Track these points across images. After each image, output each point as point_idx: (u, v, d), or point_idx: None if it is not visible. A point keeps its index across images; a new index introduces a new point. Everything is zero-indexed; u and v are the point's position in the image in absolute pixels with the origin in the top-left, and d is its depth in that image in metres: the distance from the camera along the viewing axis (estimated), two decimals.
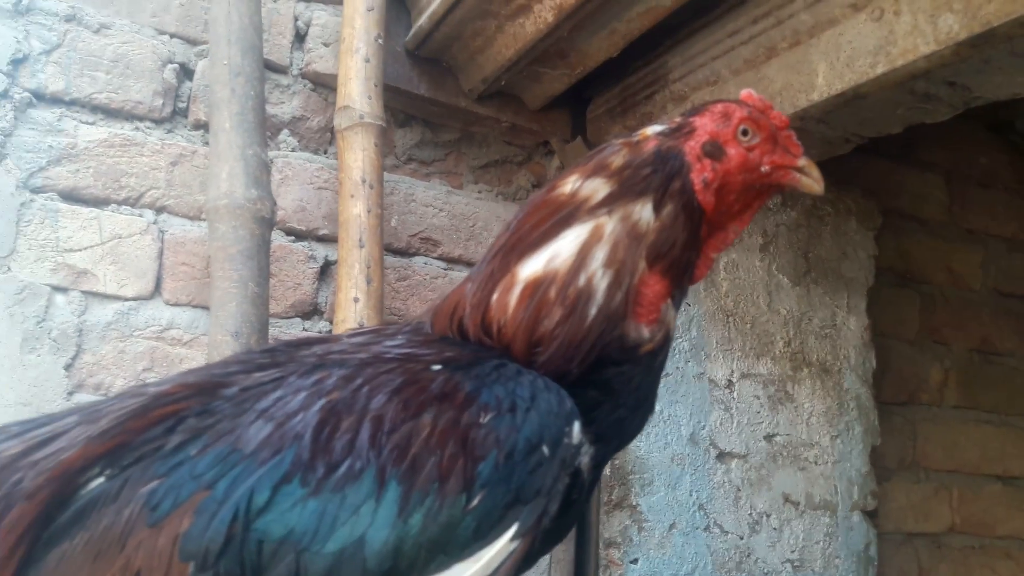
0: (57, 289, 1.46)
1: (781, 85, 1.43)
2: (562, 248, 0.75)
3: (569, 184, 0.78)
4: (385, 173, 1.77)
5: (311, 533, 0.60)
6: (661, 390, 1.74)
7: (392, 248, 1.74)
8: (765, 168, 0.81)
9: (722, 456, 1.84)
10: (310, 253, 1.66)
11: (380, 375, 0.68)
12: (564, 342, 0.73)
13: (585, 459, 0.76)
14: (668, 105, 1.71)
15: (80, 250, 1.48)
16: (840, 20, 1.30)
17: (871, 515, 2.02)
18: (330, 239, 1.66)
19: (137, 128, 1.57)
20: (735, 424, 1.87)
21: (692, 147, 0.79)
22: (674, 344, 1.79)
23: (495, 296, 0.76)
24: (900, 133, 1.85)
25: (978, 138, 2.53)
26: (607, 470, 1.75)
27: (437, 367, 0.70)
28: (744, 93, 0.83)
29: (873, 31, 1.24)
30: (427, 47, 1.72)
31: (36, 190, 1.47)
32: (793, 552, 1.88)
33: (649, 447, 1.76)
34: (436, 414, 0.65)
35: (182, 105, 1.62)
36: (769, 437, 1.90)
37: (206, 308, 1.49)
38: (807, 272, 2.03)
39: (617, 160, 0.78)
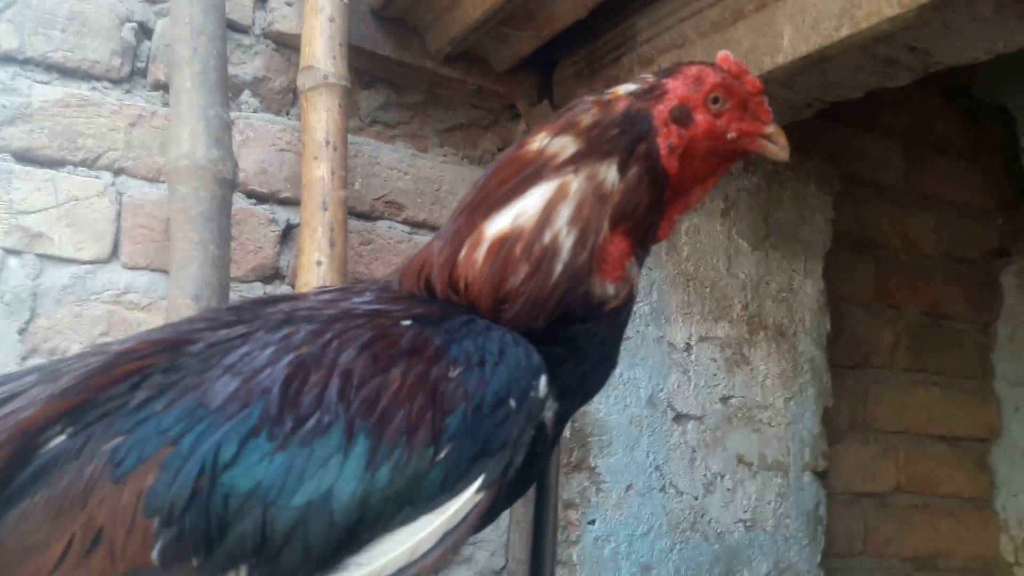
0: (10, 252, 1.43)
1: (747, 47, 1.44)
2: (528, 205, 0.75)
3: (537, 141, 0.78)
4: (349, 136, 1.76)
5: (278, 487, 0.61)
6: (622, 353, 1.77)
7: (356, 212, 1.73)
8: (732, 135, 0.81)
9: (679, 418, 1.88)
10: (271, 216, 1.65)
11: (349, 330, 0.69)
12: (530, 298, 0.75)
13: (549, 414, 0.77)
14: (635, 68, 1.71)
15: (35, 212, 1.46)
16: None
17: (821, 475, 2.08)
18: (292, 202, 1.65)
19: (94, 88, 1.53)
20: (692, 386, 1.91)
21: (660, 111, 0.79)
22: (635, 308, 1.83)
23: (462, 253, 0.77)
24: (860, 99, 1.87)
25: (935, 104, 2.56)
26: (567, 432, 1.78)
27: (407, 322, 0.71)
28: (720, 55, 0.82)
29: None
30: (393, 7, 1.70)
31: None
32: (746, 512, 1.94)
33: (608, 409, 1.80)
34: (405, 368, 0.66)
35: (141, 65, 1.58)
36: (725, 399, 1.95)
37: (165, 272, 1.48)
38: (766, 236, 2.06)
39: (586, 119, 0.78)
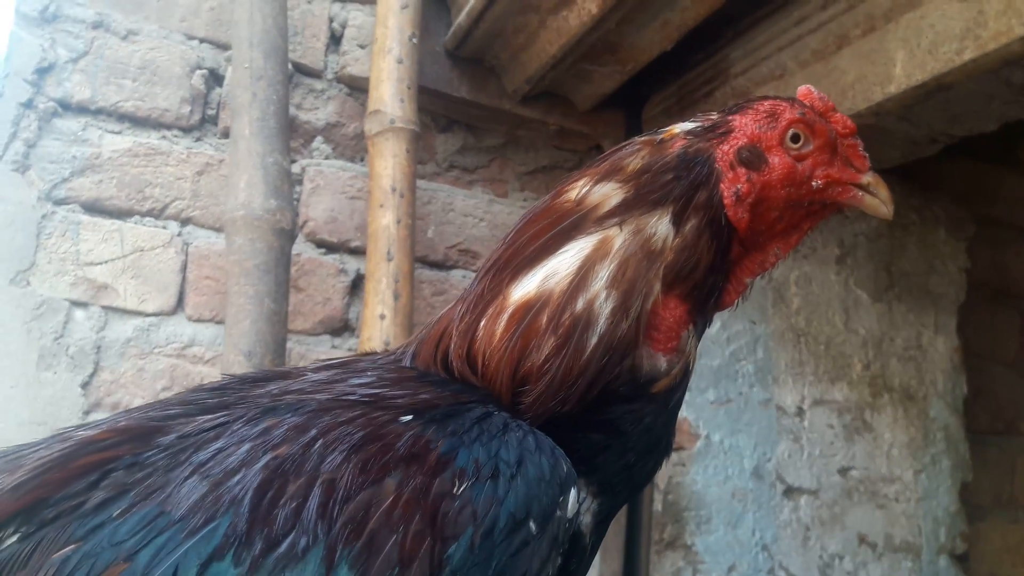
0: (76, 304, 1.40)
1: (854, 77, 1.27)
2: (561, 265, 0.62)
3: (577, 189, 0.65)
4: (424, 181, 1.67)
5: None
6: (722, 418, 1.59)
7: (428, 260, 1.63)
8: (818, 183, 0.66)
9: (790, 492, 1.67)
10: (341, 266, 1.57)
11: (338, 426, 0.56)
12: (556, 378, 0.60)
13: (587, 518, 0.63)
14: (729, 102, 1.55)
15: (101, 263, 1.42)
16: (921, 1, 1.13)
17: (961, 559, 1.81)
18: (363, 251, 1.56)
19: (164, 137, 1.51)
20: (805, 456, 1.69)
21: (725, 152, 0.65)
22: (737, 367, 1.64)
23: (483, 322, 0.63)
24: (997, 134, 1.65)
25: None
26: (658, 506, 1.60)
27: (407, 418, 0.57)
28: (802, 90, 0.69)
29: (959, 12, 1.07)
30: (467, 46, 1.61)
31: (58, 202, 1.42)
32: None
33: (707, 481, 1.60)
34: (401, 480, 0.53)
35: (211, 112, 1.55)
36: (844, 471, 1.72)
37: None
38: (889, 287, 1.84)
39: (635, 162, 0.65)
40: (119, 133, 1.48)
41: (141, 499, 0.54)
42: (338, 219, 1.58)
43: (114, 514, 0.54)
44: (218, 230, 1.50)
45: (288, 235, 1.33)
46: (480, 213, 1.69)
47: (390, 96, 1.46)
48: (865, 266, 1.82)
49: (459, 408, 0.59)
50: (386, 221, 1.41)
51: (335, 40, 1.65)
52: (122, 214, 1.46)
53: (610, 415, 0.63)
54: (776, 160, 0.65)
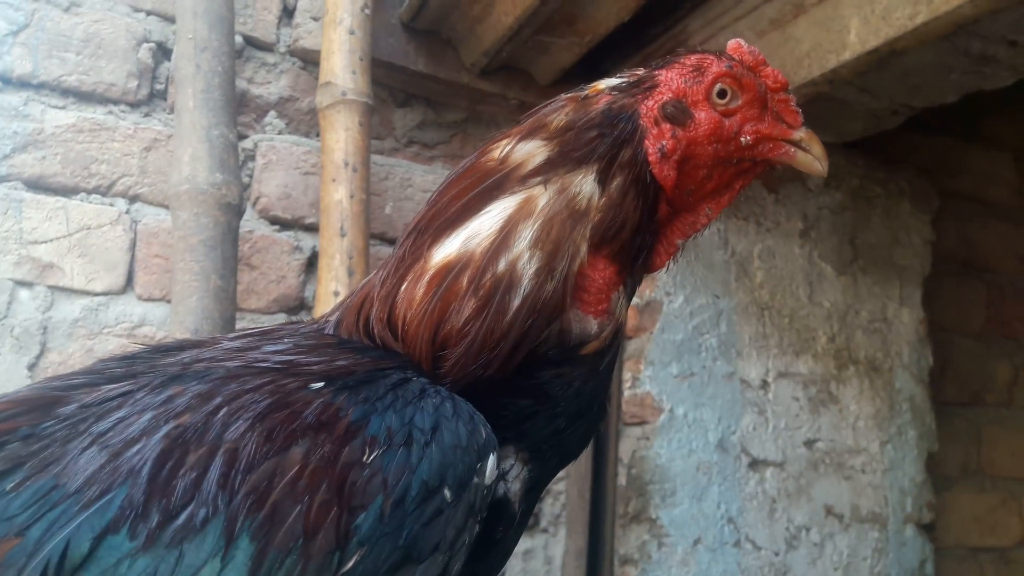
0: (20, 284, 1.36)
1: (809, 46, 1.25)
2: (483, 226, 0.60)
3: (500, 147, 0.62)
4: (382, 157, 1.64)
5: None
6: (686, 391, 1.58)
7: (386, 237, 1.61)
8: (747, 139, 0.64)
9: (755, 464, 1.66)
10: (296, 244, 1.54)
11: (245, 393, 0.54)
12: (478, 341, 0.58)
13: (515, 485, 0.61)
14: None
15: (46, 242, 1.38)
16: None
17: (927, 528, 1.81)
18: (318, 228, 1.53)
19: (110, 112, 1.46)
20: (771, 429, 1.68)
21: (649, 107, 0.63)
22: (701, 341, 1.63)
23: (404, 286, 0.61)
24: (961, 107, 1.64)
25: None
26: (622, 480, 1.59)
27: (318, 384, 0.55)
28: (732, 44, 0.66)
29: None
30: (423, 18, 1.58)
31: (0, 179, 1.38)
32: (836, 570, 1.69)
33: (671, 454, 1.59)
34: (308, 449, 0.51)
35: (160, 87, 1.51)
36: (809, 443, 1.71)
37: None
38: (853, 260, 1.83)
39: (559, 119, 0.62)
40: (63, 108, 1.44)
41: (36, 472, 0.52)
42: (292, 195, 1.55)
43: (7, 487, 0.51)
44: (167, 207, 1.46)
45: (235, 209, 1.30)
46: None
47: (341, 68, 1.42)
48: (829, 239, 1.81)
49: (375, 374, 0.57)
50: (339, 196, 1.38)
51: (287, 13, 1.61)
52: (67, 191, 1.42)
53: (538, 379, 0.61)
54: (702, 115, 0.63)
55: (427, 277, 0.60)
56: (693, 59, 0.65)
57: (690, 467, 1.60)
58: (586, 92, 0.65)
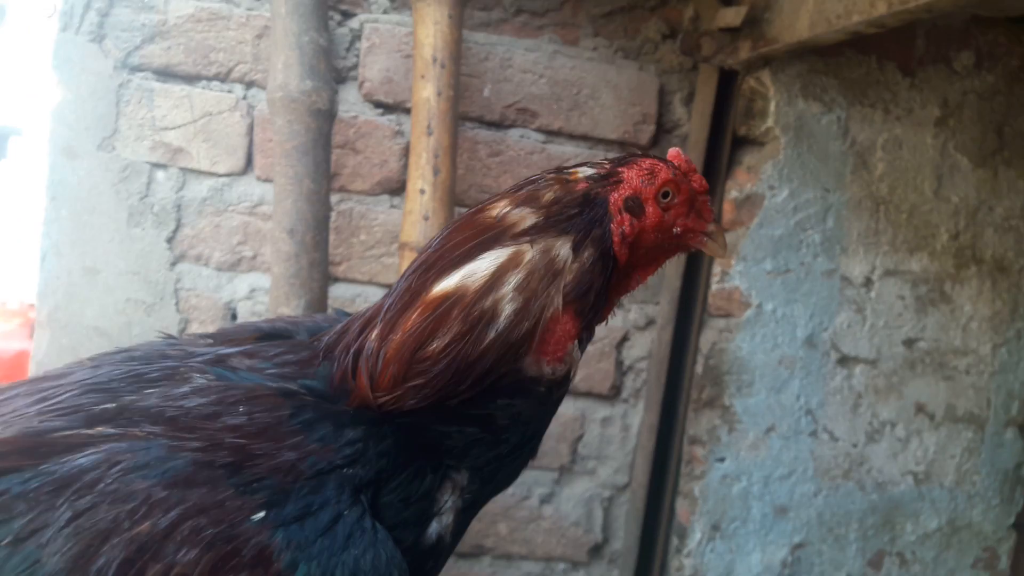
0: (156, 166, 1.54)
1: None
2: (479, 267, 0.71)
3: (498, 209, 0.74)
4: (484, 34, 1.63)
5: None
6: (778, 287, 1.59)
7: (485, 120, 1.63)
8: (677, 230, 0.80)
9: (844, 360, 1.66)
10: (397, 128, 1.61)
11: (197, 514, 0.62)
12: (454, 361, 0.68)
13: (448, 518, 0.71)
14: None
15: (174, 128, 1.54)
16: None
17: None
18: None
19: None
20: (867, 327, 1.65)
21: (616, 199, 0.77)
22: (802, 237, 1.60)
23: (403, 318, 0.71)
24: None
25: None
26: (699, 368, 1.64)
27: (259, 516, 0.63)
28: (672, 151, 0.82)
29: None
30: None
31: (133, 69, 1.52)
32: (919, 464, 1.71)
33: (753, 348, 1.62)
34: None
35: None
36: (910, 342, 1.67)
37: None
38: (997, 151, 1.65)
39: (548, 194, 0.75)
40: None
41: (26, 536, 0.61)
42: (393, 79, 1.59)
43: (1, 540, 0.60)
44: None
45: (326, 115, 1.37)
46: (540, 69, 1.64)
47: None
48: (971, 128, 1.63)
49: (315, 503, 0.65)
50: (427, 93, 1.42)
51: None
52: (191, 79, 1.54)
53: (489, 409, 0.70)
54: (651, 210, 0.78)
55: (425, 303, 0.70)
56: (647, 163, 0.79)
57: (772, 361, 1.63)
58: (568, 176, 0.77)
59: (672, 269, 1.67)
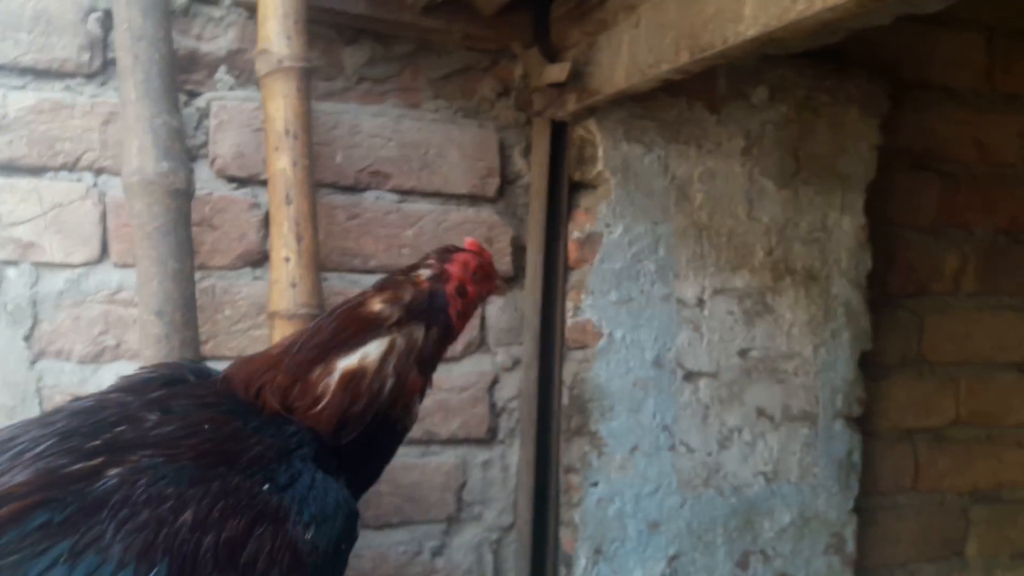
0: (7, 263, 1.52)
1: (714, 10, 1.28)
2: (371, 350, 1.01)
3: (376, 305, 1.04)
4: (330, 103, 1.72)
5: None
6: (624, 316, 1.74)
7: (339, 185, 1.71)
8: (483, 294, 1.16)
9: (689, 376, 1.83)
10: (253, 200, 1.66)
11: (227, 495, 0.80)
12: (365, 419, 0.99)
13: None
14: (619, 14, 1.56)
15: (23, 223, 1.52)
16: None
17: (857, 421, 1.98)
18: None
19: (67, 87, 1.55)
20: (705, 343, 1.83)
21: (450, 290, 1.09)
22: (639, 267, 1.76)
23: (311, 376, 0.98)
24: None
25: None
26: (565, 399, 1.77)
27: (266, 486, 0.84)
28: (468, 241, 1.17)
29: None
30: None
31: None
32: (767, 464, 1.89)
33: (610, 374, 1.76)
34: (275, 532, 0.81)
35: (111, 56, 1.57)
36: (743, 352, 1.86)
37: None
38: (796, 173, 1.90)
39: (407, 295, 1.06)
40: (22, 88, 1.53)
41: (82, 549, 0.73)
42: (245, 153, 1.65)
43: (60, 559, 0.72)
44: None
45: (184, 194, 1.41)
46: (388, 132, 1.75)
47: (276, 34, 1.47)
48: (772, 154, 1.86)
49: (287, 468, 0.88)
50: (282, 164, 1.48)
51: None
52: (37, 171, 1.53)
53: (375, 439, 1.02)
54: (471, 288, 1.11)
55: (337, 376, 0.98)
56: (461, 257, 1.11)
57: (627, 384, 1.77)
58: (416, 280, 1.08)
59: (530, 310, 1.79)
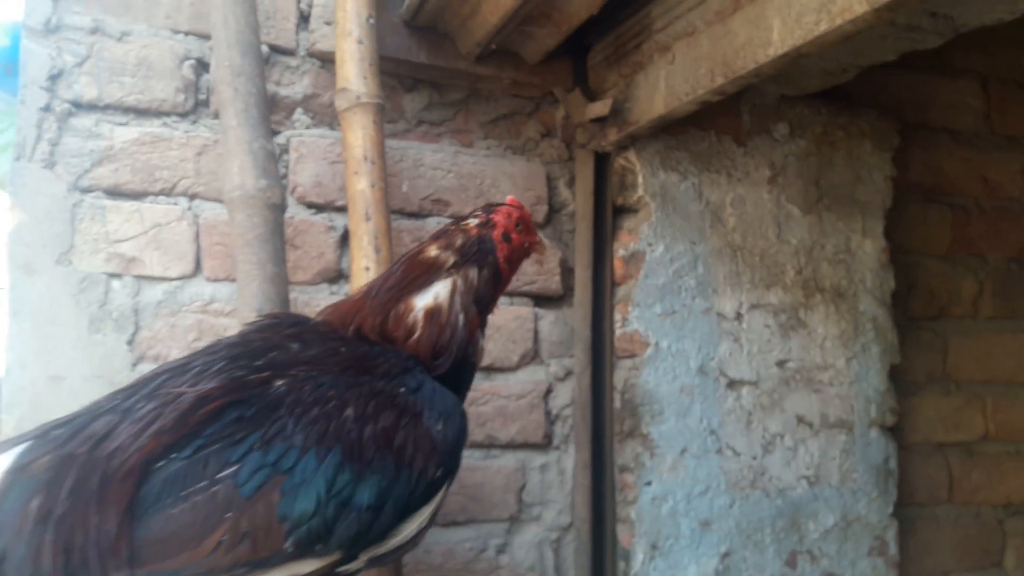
0: (112, 276, 1.67)
1: (744, 40, 1.46)
2: (440, 290, 1.17)
3: (432, 251, 1.21)
4: (395, 140, 1.90)
5: (361, 501, 0.93)
6: (668, 327, 1.87)
7: (405, 212, 1.88)
8: (526, 244, 1.30)
9: (732, 384, 1.94)
10: (330, 224, 1.82)
11: (375, 396, 0.99)
12: (451, 351, 1.15)
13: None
14: (655, 55, 1.76)
15: (127, 240, 1.69)
16: None
17: (891, 430, 2.09)
18: (347, 209, 1.81)
19: (164, 124, 1.74)
20: (745, 353, 1.96)
21: (496, 236, 1.23)
22: (680, 283, 1.91)
23: (391, 314, 1.15)
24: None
25: (1019, 37, 2.43)
26: (617, 403, 1.89)
27: (402, 389, 1.03)
28: (509, 199, 1.31)
29: None
30: (421, 17, 1.81)
31: (84, 190, 1.67)
32: (808, 468, 1.99)
33: (658, 380, 1.88)
34: (414, 424, 1.00)
35: (202, 97, 1.78)
36: (781, 363, 1.99)
37: None
38: (819, 200, 2.06)
39: (459, 240, 1.21)
40: (126, 124, 1.72)
41: (270, 437, 0.91)
42: (322, 183, 1.82)
43: (256, 445, 0.90)
44: (221, 202, 1.75)
45: (279, 208, 1.58)
46: (447, 166, 1.93)
47: (354, 75, 1.67)
48: (795, 183, 2.04)
49: (413, 377, 1.05)
50: (361, 186, 1.65)
51: (304, 19, 1.86)
52: (138, 196, 1.71)
53: (458, 369, 1.17)
54: (514, 237, 1.26)
55: (421, 313, 1.14)
56: (505, 209, 1.27)
57: (674, 390, 1.89)
58: (466, 227, 1.23)
59: (580, 323, 1.93)
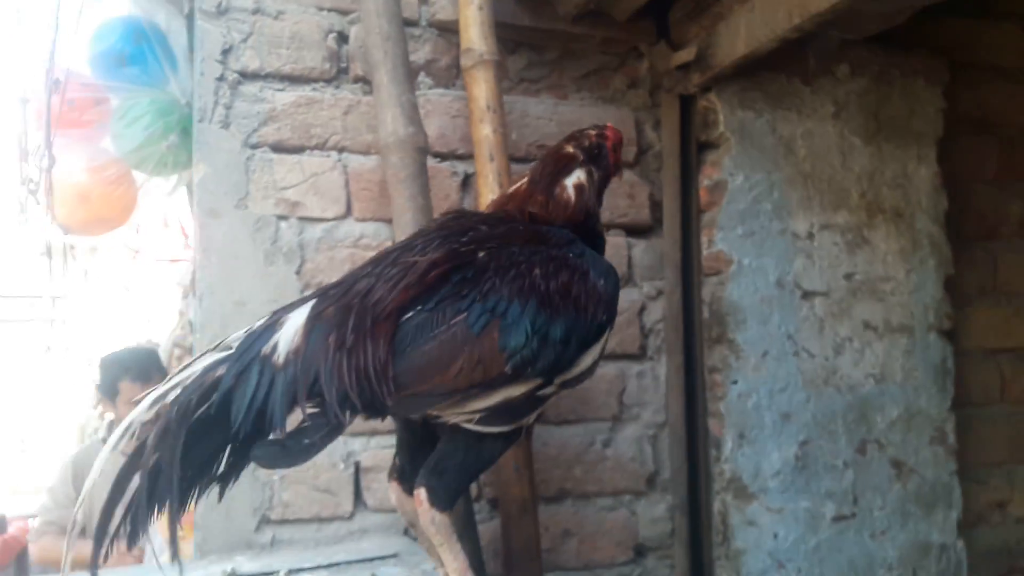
0: (280, 218, 2.00)
1: None
2: (579, 175, 1.50)
3: (570, 148, 1.53)
4: (503, 97, 2.19)
5: (556, 336, 1.22)
6: (749, 246, 2.14)
7: (515, 157, 2.17)
8: (619, 160, 1.59)
9: (806, 295, 2.22)
10: (453, 170, 2.13)
11: (552, 260, 1.28)
12: (594, 213, 1.51)
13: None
14: (735, 5, 2.02)
15: (291, 187, 2.01)
16: None
17: (947, 334, 2.34)
18: (467, 157, 2.12)
19: (314, 88, 2.05)
20: (816, 268, 2.23)
21: (609, 145, 1.55)
22: (759, 207, 2.17)
23: (553, 194, 1.47)
24: None
25: None
26: (706, 313, 2.18)
27: (571, 254, 1.31)
28: (608, 125, 1.60)
29: None
30: None
31: (254, 146, 1.99)
32: (875, 368, 2.26)
33: (741, 293, 2.16)
34: (584, 278, 1.29)
35: (343, 65, 2.08)
36: (848, 276, 2.25)
37: (384, 220, 2.01)
38: (878, 132, 2.31)
39: (586, 142, 1.53)
40: (283, 90, 2.03)
41: (486, 291, 1.22)
42: (445, 135, 2.13)
43: (477, 298, 1.21)
44: (364, 154, 2.06)
45: (424, 151, 1.88)
46: (549, 115, 2.22)
47: (477, 37, 1.96)
48: (857, 117, 2.29)
49: (577, 247, 1.33)
50: (486, 132, 1.95)
51: None
52: (298, 150, 2.02)
53: (589, 228, 1.47)
54: (616, 152, 1.57)
55: (571, 189, 1.47)
56: (611, 130, 1.57)
57: (755, 301, 2.17)
58: (589, 135, 1.54)
59: (670, 247, 2.22)
